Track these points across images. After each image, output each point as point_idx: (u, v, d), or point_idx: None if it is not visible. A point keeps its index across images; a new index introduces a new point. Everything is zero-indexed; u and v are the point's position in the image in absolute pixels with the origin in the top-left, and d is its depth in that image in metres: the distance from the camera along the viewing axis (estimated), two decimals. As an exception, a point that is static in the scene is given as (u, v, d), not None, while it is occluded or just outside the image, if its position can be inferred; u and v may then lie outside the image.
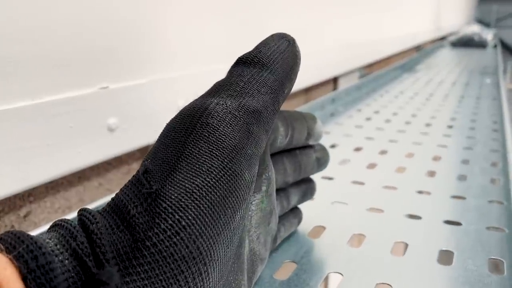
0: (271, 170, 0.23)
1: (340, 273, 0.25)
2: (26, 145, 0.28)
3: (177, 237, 0.15)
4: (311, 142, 0.27)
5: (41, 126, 0.29)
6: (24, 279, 0.13)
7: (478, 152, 0.49)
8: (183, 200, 0.15)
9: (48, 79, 0.29)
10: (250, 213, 0.21)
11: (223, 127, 0.18)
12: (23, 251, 0.13)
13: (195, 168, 0.16)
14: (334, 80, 0.90)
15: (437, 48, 1.84)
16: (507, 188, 0.37)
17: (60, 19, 0.30)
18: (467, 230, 0.30)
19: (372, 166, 0.44)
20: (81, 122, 0.32)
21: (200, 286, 0.15)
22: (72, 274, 0.14)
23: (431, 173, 0.42)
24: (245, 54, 0.21)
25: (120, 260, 0.14)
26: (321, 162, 0.28)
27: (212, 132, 0.17)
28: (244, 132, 0.18)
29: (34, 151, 0.29)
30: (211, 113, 0.18)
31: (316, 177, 0.30)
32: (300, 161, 0.27)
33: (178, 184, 0.16)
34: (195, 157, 0.17)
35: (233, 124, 0.18)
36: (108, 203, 0.17)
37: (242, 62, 0.20)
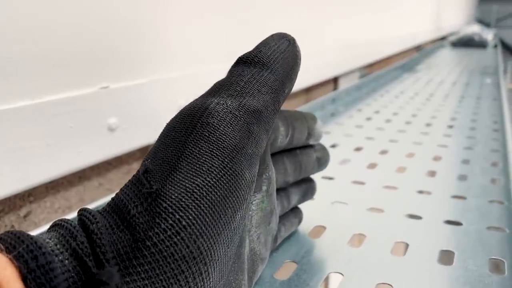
0: (272, 169, 0.23)
1: (341, 273, 0.25)
2: (26, 145, 0.28)
3: (178, 237, 0.15)
4: (311, 142, 0.27)
5: (41, 126, 0.29)
6: (24, 279, 0.13)
7: (478, 152, 0.49)
8: (183, 199, 0.15)
9: (48, 79, 0.29)
10: (250, 212, 0.21)
11: (224, 126, 0.18)
12: (23, 251, 0.13)
13: (195, 167, 0.16)
14: (335, 80, 0.90)
15: (437, 48, 1.84)
16: (508, 188, 0.37)
17: (60, 19, 0.29)
18: (467, 230, 0.30)
19: (372, 166, 0.44)
20: (81, 122, 0.32)
21: (201, 286, 0.15)
22: (72, 274, 0.14)
23: (432, 173, 0.42)
24: (245, 53, 0.21)
25: (120, 260, 0.14)
26: (322, 161, 0.28)
27: (212, 131, 0.17)
28: (245, 132, 0.18)
29: (34, 151, 0.29)
30: (211, 112, 0.18)
31: (316, 177, 0.30)
32: (300, 161, 0.27)
33: (178, 184, 0.16)
34: (195, 157, 0.17)
35: (233, 123, 0.18)
36: (108, 203, 0.17)
37: (243, 62, 0.20)
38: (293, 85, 0.21)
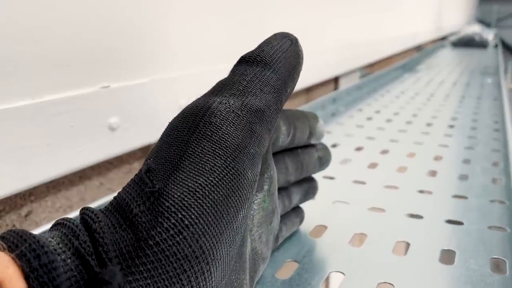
0: (273, 169, 0.23)
1: (342, 273, 0.25)
2: (27, 144, 0.28)
3: (180, 236, 0.15)
4: (313, 141, 0.27)
5: (42, 125, 0.29)
6: (26, 277, 0.13)
7: (479, 151, 0.49)
8: (186, 199, 0.15)
9: (49, 78, 0.29)
10: (252, 212, 0.21)
11: (226, 126, 0.17)
12: (25, 249, 0.13)
13: (198, 167, 0.16)
14: (335, 80, 0.90)
15: (438, 48, 1.84)
16: (509, 188, 0.37)
17: (60, 19, 0.29)
18: (469, 230, 0.30)
19: (373, 165, 0.44)
20: (82, 121, 0.32)
21: (203, 286, 0.15)
22: (75, 273, 0.14)
23: (433, 173, 0.42)
24: (247, 53, 0.20)
25: (122, 259, 0.14)
26: (323, 161, 0.28)
27: (215, 131, 0.17)
28: (247, 131, 0.18)
29: (34, 151, 0.29)
30: (214, 112, 0.18)
31: (317, 176, 0.30)
32: (302, 160, 0.27)
33: (181, 183, 0.16)
34: (198, 156, 0.17)
35: (236, 123, 0.18)
36: (110, 202, 0.16)
37: (245, 61, 0.20)
38: (295, 85, 0.21)
